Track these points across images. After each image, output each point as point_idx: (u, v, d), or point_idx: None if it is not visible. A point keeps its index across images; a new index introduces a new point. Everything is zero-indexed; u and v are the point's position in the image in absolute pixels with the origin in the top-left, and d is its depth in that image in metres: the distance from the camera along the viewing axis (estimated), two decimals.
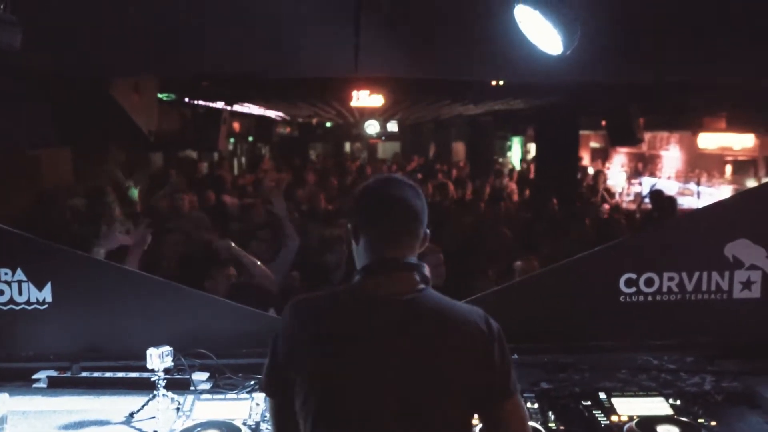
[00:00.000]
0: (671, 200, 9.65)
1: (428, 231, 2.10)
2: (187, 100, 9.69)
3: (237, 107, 11.55)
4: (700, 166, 18.36)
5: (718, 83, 7.01)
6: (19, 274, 3.45)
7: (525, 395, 3.01)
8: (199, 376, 3.32)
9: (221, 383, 3.28)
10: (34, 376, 3.39)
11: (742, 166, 17.47)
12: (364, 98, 9.36)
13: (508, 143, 24.28)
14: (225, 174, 12.62)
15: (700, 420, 2.84)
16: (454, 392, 1.93)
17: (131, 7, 3.82)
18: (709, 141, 16.71)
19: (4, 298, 3.45)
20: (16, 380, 3.36)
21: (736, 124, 13.01)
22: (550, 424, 2.84)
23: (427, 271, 2.04)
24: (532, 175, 14.37)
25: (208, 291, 4.30)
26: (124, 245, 4.68)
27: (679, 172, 19.39)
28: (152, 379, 2.97)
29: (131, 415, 2.98)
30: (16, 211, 7.26)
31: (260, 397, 2.97)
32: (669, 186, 16.30)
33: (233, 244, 5.22)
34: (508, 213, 9.31)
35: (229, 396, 3.10)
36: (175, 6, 3.90)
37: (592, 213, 9.50)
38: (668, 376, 3.34)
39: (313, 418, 1.91)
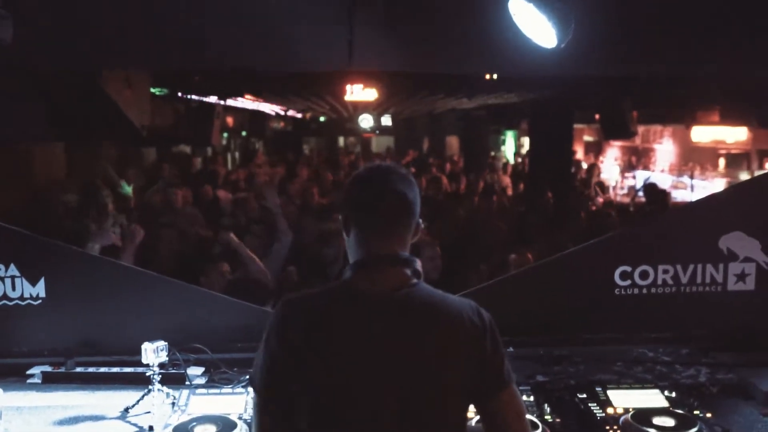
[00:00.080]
0: (664, 193, 9.68)
1: (421, 221, 2.07)
2: (180, 94, 9.65)
3: (230, 102, 11.51)
4: (693, 159, 18.41)
5: (712, 76, 7.00)
6: (13, 270, 3.44)
7: (521, 388, 2.99)
8: (194, 371, 3.32)
9: (216, 378, 3.28)
10: (29, 372, 3.38)
11: (735, 159, 17.52)
12: (358, 92, 9.33)
13: (502, 137, 24.27)
14: (219, 169, 12.60)
15: (695, 412, 2.86)
16: (449, 386, 1.92)
17: (124, 1, 3.80)
18: (702, 134, 16.73)
19: None
20: (10, 376, 3.35)
21: (729, 118, 13.00)
22: (545, 417, 2.84)
23: (419, 265, 2.02)
24: (526, 169, 14.39)
25: (203, 287, 4.29)
26: (118, 244, 4.67)
27: (673, 165, 19.43)
28: (147, 374, 2.96)
29: (126, 410, 2.97)
30: (8, 207, 7.23)
31: None
32: (662, 179, 16.33)
33: (234, 237, 5.20)
34: (502, 207, 9.32)
35: (224, 390, 3.10)
36: (169, 0, 3.88)
37: (584, 206, 9.52)
38: (663, 369, 3.36)
39: (311, 418, 1.90)
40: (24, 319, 3.45)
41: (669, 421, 2.75)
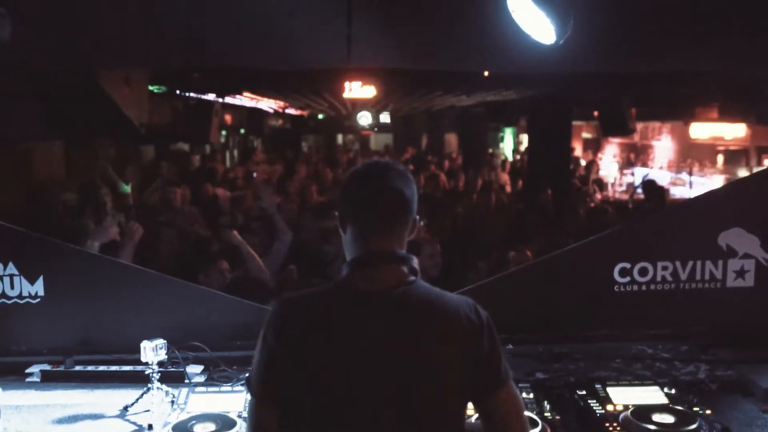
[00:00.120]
0: (662, 190, 9.67)
1: (418, 218, 2.06)
2: (178, 92, 9.63)
3: (229, 99, 11.50)
4: (692, 156, 18.41)
5: (712, 75, 7.00)
6: (11, 268, 3.43)
7: (520, 385, 3.02)
8: (194, 369, 3.32)
9: (216, 376, 3.28)
10: (27, 371, 3.38)
11: (734, 156, 17.53)
12: (357, 89, 9.31)
13: (501, 134, 24.27)
14: (217, 166, 12.59)
15: (695, 408, 2.86)
16: (448, 383, 1.92)
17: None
18: (700, 131, 16.74)
19: None
20: (9, 374, 3.34)
21: (727, 114, 13.01)
22: (545, 414, 2.84)
23: (415, 262, 2.01)
24: (524, 167, 14.38)
25: (202, 285, 4.28)
26: (117, 239, 4.66)
27: (671, 162, 19.44)
28: (146, 373, 2.96)
29: (125, 408, 2.97)
30: (7, 206, 7.23)
31: None
32: (661, 176, 16.34)
33: (236, 234, 5.19)
34: (500, 204, 9.32)
35: (223, 389, 3.10)
36: None
37: (583, 203, 9.51)
38: (663, 365, 3.36)
39: (310, 417, 1.90)
40: (23, 317, 3.45)
41: (669, 418, 2.75)
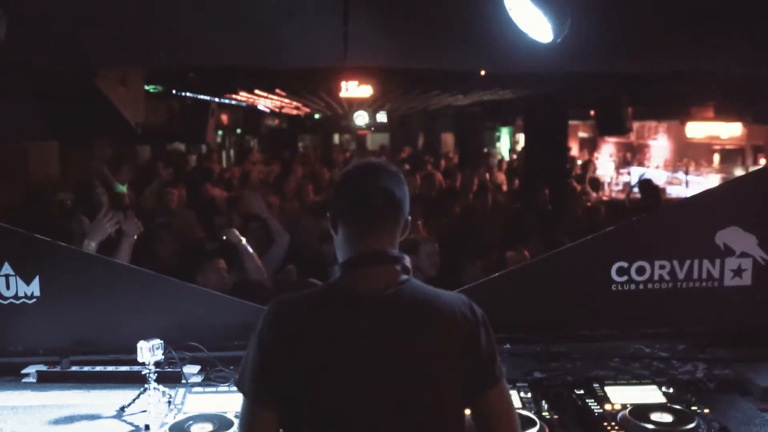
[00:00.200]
0: (656, 189, 9.68)
1: (410, 218, 2.06)
2: (174, 92, 9.63)
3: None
4: (688, 155, 18.43)
5: (710, 74, 7.02)
6: (7, 268, 3.41)
7: (518, 384, 3.02)
8: (190, 369, 3.30)
9: (213, 376, 3.26)
10: (23, 371, 3.36)
11: (730, 155, 17.55)
12: (353, 89, 9.31)
13: (497, 134, 24.30)
14: (214, 166, 12.58)
15: (693, 407, 2.85)
16: (446, 382, 1.92)
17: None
18: (696, 130, 16.76)
19: None
20: (5, 375, 3.33)
21: (723, 114, 13.05)
22: (543, 414, 2.83)
23: (408, 261, 2.01)
24: (521, 166, 14.39)
25: (199, 284, 4.27)
26: (115, 236, 4.63)
27: (668, 161, 19.46)
28: (143, 373, 2.94)
29: (122, 409, 2.95)
30: (3, 205, 7.21)
31: None
32: (657, 175, 16.36)
33: (236, 232, 5.17)
34: (497, 204, 9.32)
35: (220, 389, 3.09)
36: None
37: (580, 203, 9.52)
38: (660, 365, 3.35)
39: (307, 419, 1.89)
40: (18, 318, 3.43)
41: (667, 417, 2.75)
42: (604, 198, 13.08)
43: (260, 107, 14.77)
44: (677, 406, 2.84)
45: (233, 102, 12.82)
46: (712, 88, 9.37)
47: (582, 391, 3.01)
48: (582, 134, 22.64)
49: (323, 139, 25.93)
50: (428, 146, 22.15)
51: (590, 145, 22.29)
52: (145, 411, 2.91)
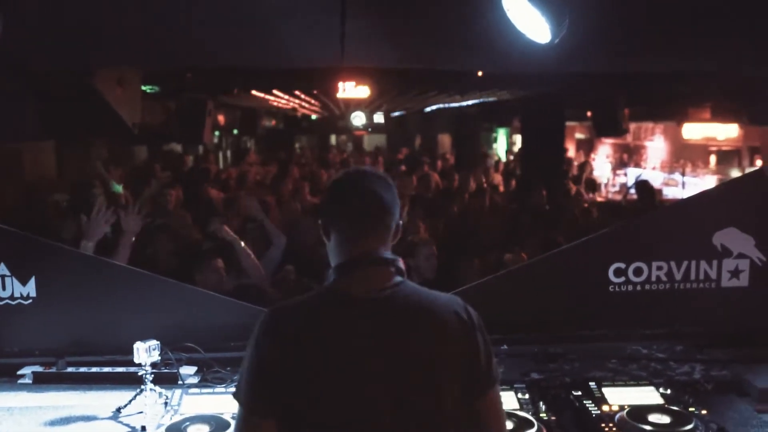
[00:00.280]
0: (652, 191, 9.68)
1: (401, 223, 2.07)
2: (171, 92, 9.61)
3: (222, 99, 11.47)
4: (684, 156, 18.43)
5: (711, 75, 7.02)
6: (3, 269, 3.40)
7: (516, 385, 3.03)
8: (187, 370, 3.30)
9: (209, 377, 3.26)
10: (19, 372, 3.35)
11: (726, 156, 17.55)
12: (351, 89, 9.31)
13: (494, 135, 24.30)
14: (211, 167, 12.56)
15: (690, 409, 2.85)
16: (445, 383, 1.92)
17: None
18: (693, 131, 16.76)
19: None
20: (1, 376, 3.32)
21: (720, 115, 13.04)
22: (541, 415, 2.83)
23: (401, 263, 2.02)
24: (517, 167, 14.40)
25: (198, 284, 4.27)
26: (112, 237, 4.62)
27: (664, 162, 19.47)
28: (139, 374, 2.94)
29: (118, 410, 2.95)
30: None
31: None
32: (654, 176, 16.36)
33: (228, 230, 5.16)
34: (494, 205, 9.32)
35: (217, 390, 3.08)
36: None
37: (577, 204, 9.52)
38: (658, 366, 3.35)
39: (310, 422, 1.88)
40: (14, 318, 3.42)
41: (664, 418, 2.75)
42: (600, 199, 13.07)
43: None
44: (675, 408, 2.85)
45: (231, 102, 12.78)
46: (710, 88, 9.38)
47: (579, 392, 3.01)
48: (579, 135, 22.65)
49: (320, 140, 25.92)
50: (425, 147, 22.16)
51: (587, 147, 22.30)
52: (141, 412, 2.90)
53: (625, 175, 18.49)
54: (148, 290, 3.49)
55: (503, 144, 24.18)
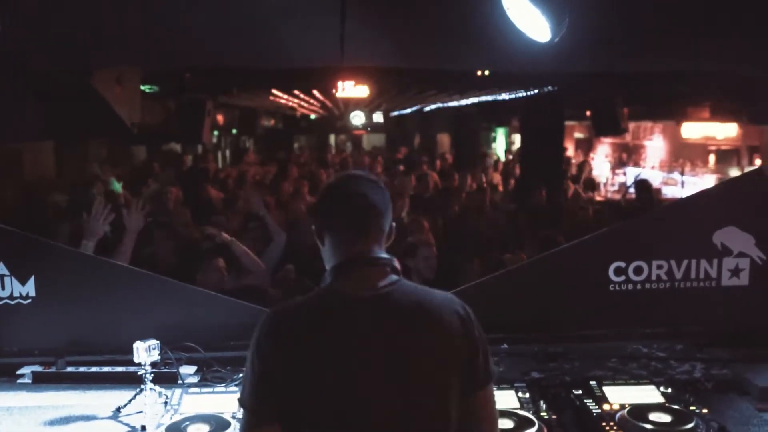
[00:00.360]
0: (650, 189, 9.69)
1: (395, 225, 2.09)
2: (170, 92, 9.60)
3: (221, 99, 11.47)
4: (683, 155, 18.43)
5: (711, 75, 7.02)
6: (2, 269, 3.40)
7: (516, 385, 3.02)
8: (187, 370, 3.29)
9: (209, 376, 3.25)
10: (19, 372, 3.34)
11: (725, 156, 17.57)
12: (350, 89, 9.32)
13: (493, 134, 24.30)
14: (210, 166, 12.56)
15: (691, 407, 2.85)
16: (444, 381, 1.92)
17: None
18: (692, 131, 16.77)
19: None
20: (0, 376, 3.31)
21: (719, 114, 13.06)
22: (542, 414, 2.82)
23: (396, 263, 2.03)
24: (516, 167, 14.39)
25: (200, 284, 4.26)
26: (111, 236, 4.61)
27: (663, 161, 19.47)
28: (139, 373, 2.93)
29: (118, 409, 2.94)
30: None
31: None
32: (653, 176, 16.35)
33: (225, 235, 5.17)
34: (493, 205, 9.31)
35: (217, 389, 3.07)
36: None
37: (578, 203, 9.52)
38: (658, 364, 3.35)
39: (313, 422, 1.88)
40: (14, 318, 3.41)
41: (665, 417, 2.74)
42: (599, 198, 13.07)
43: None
44: (675, 406, 2.84)
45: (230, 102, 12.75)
46: (709, 88, 9.39)
47: (580, 391, 3.00)
48: (578, 135, 22.66)
49: (319, 139, 25.92)
50: (424, 146, 22.16)
51: (586, 146, 22.31)
52: (141, 412, 2.90)
53: (624, 174, 18.50)
54: (148, 289, 3.48)
55: (502, 143, 24.18)
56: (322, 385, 1.87)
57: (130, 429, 2.82)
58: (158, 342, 2.94)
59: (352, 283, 1.97)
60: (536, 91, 10.34)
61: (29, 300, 3.42)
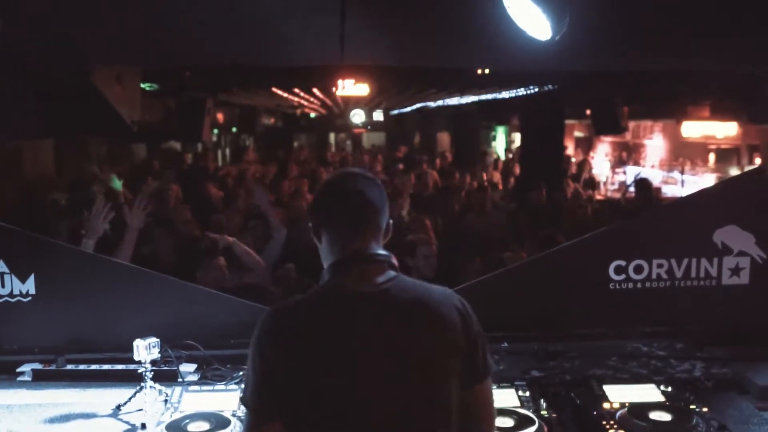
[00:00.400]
0: (650, 188, 9.68)
1: (392, 222, 2.10)
2: (170, 90, 9.61)
3: (221, 97, 11.47)
4: (683, 154, 18.43)
5: (711, 74, 7.02)
6: (2, 266, 3.40)
7: (516, 383, 3.02)
8: (187, 368, 3.29)
9: (209, 374, 3.26)
10: (19, 370, 3.34)
11: (725, 155, 17.57)
12: (350, 87, 9.31)
13: (493, 133, 24.30)
14: (210, 165, 12.56)
15: (691, 406, 2.85)
16: (446, 377, 1.93)
17: None
18: (692, 129, 16.77)
19: None
20: (0, 374, 3.31)
21: (719, 113, 13.07)
22: (542, 412, 2.82)
23: (394, 260, 2.04)
24: (516, 165, 14.39)
25: (200, 282, 4.26)
26: (111, 234, 4.61)
27: (663, 160, 19.47)
28: (139, 371, 2.93)
29: (118, 407, 2.94)
30: None
31: None
32: (653, 174, 16.36)
33: (226, 237, 5.17)
34: (493, 203, 9.32)
35: (217, 387, 3.07)
36: None
37: (578, 202, 9.52)
38: (658, 363, 3.35)
39: (316, 420, 1.88)
40: (13, 316, 3.41)
41: (665, 416, 2.75)
42: (599, 197, 13.07)
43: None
44: (676, 405, 2.84)
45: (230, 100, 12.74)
46: (709, 87, 9.39)
47: (580, 390, 3.00)
48: (578, 133, 22.65)
49: (319, 138, 25.92)
50: (424, 145, 22.15)
51: (586, 145, 22.31)
52: (141, 410, 2.90)
53: (624, 173, 18.51)
54: (148, 288, 3.48)
55: (502, 142, 24.18)
56: (322, 385, 1.87)
57: (130, 427, 2.82)
58: (158, 340, 2.94)
59: (351, 279, 1.97)
60: (536, 89, 10.33)
61: (29, 298, 3.42)
